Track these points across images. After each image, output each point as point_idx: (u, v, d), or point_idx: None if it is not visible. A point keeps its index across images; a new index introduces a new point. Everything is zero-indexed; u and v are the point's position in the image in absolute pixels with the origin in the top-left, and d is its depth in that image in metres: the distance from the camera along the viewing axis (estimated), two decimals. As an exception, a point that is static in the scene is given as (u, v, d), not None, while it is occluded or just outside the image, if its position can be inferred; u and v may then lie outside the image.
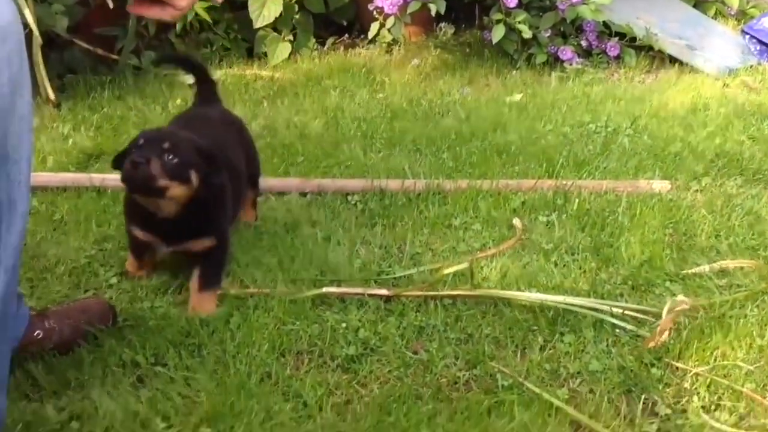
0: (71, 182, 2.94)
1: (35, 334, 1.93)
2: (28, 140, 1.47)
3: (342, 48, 5.03)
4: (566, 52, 4.58)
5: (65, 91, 4.13)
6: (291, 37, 4.79)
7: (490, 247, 2.50)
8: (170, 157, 2.01)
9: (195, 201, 2.10)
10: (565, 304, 2.12)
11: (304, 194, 2.88)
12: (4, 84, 1.35)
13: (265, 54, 4.74)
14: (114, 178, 2.90)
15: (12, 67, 1.36)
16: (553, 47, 4.60)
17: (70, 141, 3.45)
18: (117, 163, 2.10)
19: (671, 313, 1.99)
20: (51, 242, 2.52)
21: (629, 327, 2.06)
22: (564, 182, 2.92)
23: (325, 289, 2.20)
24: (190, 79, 4.28)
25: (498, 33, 4.51)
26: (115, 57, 4.38)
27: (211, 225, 2.19)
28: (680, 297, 2.08)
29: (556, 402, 1.79)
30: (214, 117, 2.54)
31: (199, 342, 1.99)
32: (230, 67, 4.60)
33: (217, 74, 4.42)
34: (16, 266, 1.48)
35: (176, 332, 2.02)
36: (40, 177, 2.89)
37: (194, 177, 2.07)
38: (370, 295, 2.18)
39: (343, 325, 2.07)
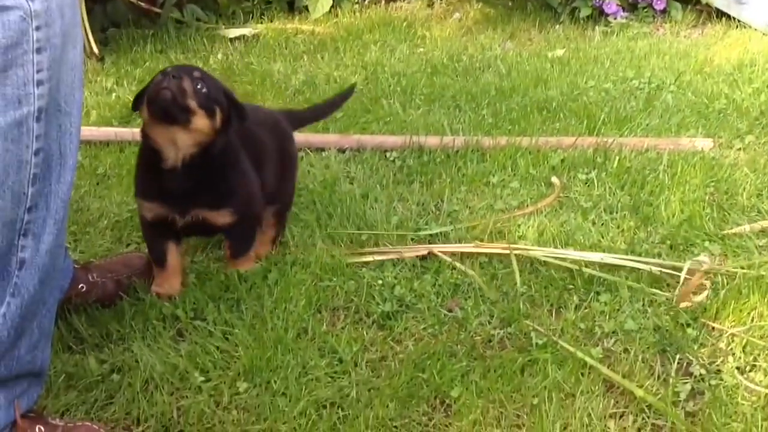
0: (114, 136, 2.98)
1: (79, 287, 1.98)
2: (79, 92, 1.48)
3: (383, 1, 4.98)
4: (611, 5, 4.49)
5: (108, 44, 4.17)
6: (332, -10, 4.76)
7: (527, 205, 2.49)
8: (199, 86, 1.92)
9: (209, 156, 1.95)
10: (602, 263, 2.12)
11: (342, 150, 2.89)
12: (57, 35, 1.36)
13: (306, 8, 4.73)
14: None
15: (64, 18, 1.38)
16: (597, 0, 4.51)
17: (113, 95, 3.50)
18: (137, 103, 1.99)
19: (696, 274, 1.98)
20: (94, 196, 2.58)
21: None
22: (605, 139, 2.89)
23: (371, 257, 2.20)
24: (231, 33, 4.30)
25: (542, -15, 4.44)
26: (157, 10, 4.40)
27: (229, 193, 2.02)
28: (701, 257, 2.08)
29: (590, 361, 1.80)
30: (267, 116, 2.37)
31: (238, 297, 2.03)
32: (271, 21, 4.60)
33: (258, 28, 4.42)
34: (65, 218, 1.51)
35: (215, 287, 2.06)
36: (84, 131, 2.91)
37: (218, 114, 1.95)
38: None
39: (379, 281, 2.09)
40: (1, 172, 1.33)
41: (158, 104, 1.89)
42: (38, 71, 1.35)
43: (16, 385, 1.48)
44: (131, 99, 3.34)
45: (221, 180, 2.00)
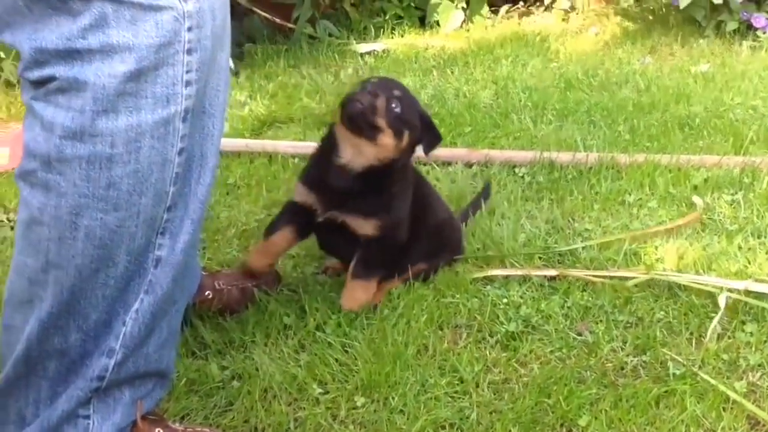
0: (245, 147, 3.03)
1: (206, 293, 1.99)
2: (224, 95, 1.48)
3: (516, 16, 4.91)
4: (760, 19, 4.26)
5: (243, 59, 4.27)
6: (464, 5, 4.72)
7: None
8: (394, 105, 1.94)
9: (382, 173, 1.96)
10: (747, 291, 1.96)
11: (470, 165, 2.83)
12: (207, 36, 1.36)
13: (438, 23, 4.71)
14: (286, 144, 2.98)
15: (215, 21, 1.38)
16: (745, 14, 4.29)
17: (246, 108, 3.56)
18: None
19: None
20: (223, 205, 2.61)
21: (821, 319, 1.88)
22: (753, 159, 2.72)
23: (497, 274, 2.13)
24: (362, 48, 4.32)
25: (686, -2, 4.25)
26: (291, 26, 4.47)
27: (385, 207, 2.00)
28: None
29: (733, 395, 1.66)
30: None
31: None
32: (402, 36, 4.60)
33: (389, 43, 4.43)
34: (201, 220, 1.50)
35: (337, 299, 2.03)
36: (216, 142, 2.99)
37: (406, 136, 1.96)
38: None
39: (504, 300, 2.01)
40: (145, 169, 1.34)
41: (348, 115, 1.93)
42: (187, 72, 1.35)
43: (143, 384, 1.49)
44: (263, 112, 3.45)
45: (383, 192, 2.00)
